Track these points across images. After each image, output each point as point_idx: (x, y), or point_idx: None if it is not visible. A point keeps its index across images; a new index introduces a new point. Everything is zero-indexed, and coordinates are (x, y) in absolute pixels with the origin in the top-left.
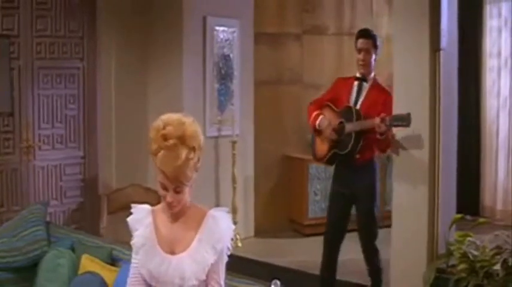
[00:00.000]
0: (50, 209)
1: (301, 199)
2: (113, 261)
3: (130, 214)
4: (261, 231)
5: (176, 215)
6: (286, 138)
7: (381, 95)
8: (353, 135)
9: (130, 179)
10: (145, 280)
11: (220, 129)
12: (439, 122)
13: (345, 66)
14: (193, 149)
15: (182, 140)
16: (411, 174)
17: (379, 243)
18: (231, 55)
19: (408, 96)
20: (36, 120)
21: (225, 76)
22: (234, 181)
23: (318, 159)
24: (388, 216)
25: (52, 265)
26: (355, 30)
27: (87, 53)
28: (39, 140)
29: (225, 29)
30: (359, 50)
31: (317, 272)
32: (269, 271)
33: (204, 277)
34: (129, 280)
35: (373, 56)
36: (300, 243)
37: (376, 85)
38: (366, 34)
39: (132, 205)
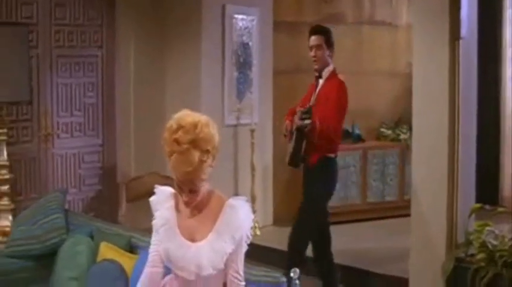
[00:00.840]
0: (69, 197)
1: None
2: (131, 249)
3: (153, 195)
4: (280, 219)
5: (196, 204)
6: None
7: (330, 86)
8: (294, 133)
9: (148, 167)
10: (162, 259)
11: (238, 118)
12: (459, 111)
13: (364, 55)
14: (206, 151)
15: (195, 144)
16: (430, 163)
17: (397, 232)
18: (250, 43)
19: (427, 86)
20: (55, 108)
21: (243, 64)
22: (252, 169)
23: (288, 162)
24: (407, 205)
25: (71, 253)
26: (375, 19)
27: (106, 41)
28: (58, 128)
29: (244, 17)
30: (310, 47)
31: (336, 260)
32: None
33: (221, 266)
34: (149, 258)
35: (327, 52)
36: None
37: (330, 78)
38: (317, 31)
39: (156, 186)
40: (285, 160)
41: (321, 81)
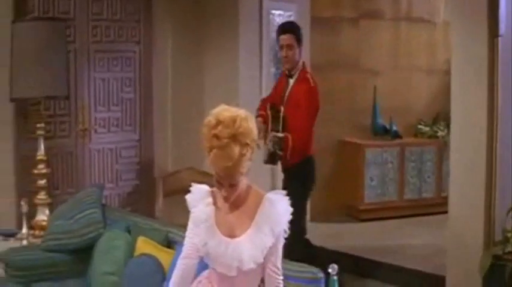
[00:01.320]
0: (106, 192)
1: (356, 184)
2: (168, 243)
3: (189, 192)
4: (316, 215)
5: (234, 200)
6: (342, 123)
7: (302, 87)
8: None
9: (185, 163)
10: (197, 252)
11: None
12: (497, 109)
13: (401, 52)
14: (246, 145)
15: (234, 138)
16: (468, 161)
17: (434, 229)
18: None
19: (466, 83)
20: (92, 103)
21: (280, 60)
22: None
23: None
24: (444, 202)
25: (108, 247)
26: (413, 16)
27: (143, 36)
28: (95, 123)
29: (281, 12)
30: (280, 46)
31: (373, 257)
32: (324, 255)
33: (261, 260)
34: (183, 250)
35: (297, 51)
36: (355, 228)
37: (301, 79)
38: (288, 29)
39: (192, 184)
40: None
41: (291, 80)
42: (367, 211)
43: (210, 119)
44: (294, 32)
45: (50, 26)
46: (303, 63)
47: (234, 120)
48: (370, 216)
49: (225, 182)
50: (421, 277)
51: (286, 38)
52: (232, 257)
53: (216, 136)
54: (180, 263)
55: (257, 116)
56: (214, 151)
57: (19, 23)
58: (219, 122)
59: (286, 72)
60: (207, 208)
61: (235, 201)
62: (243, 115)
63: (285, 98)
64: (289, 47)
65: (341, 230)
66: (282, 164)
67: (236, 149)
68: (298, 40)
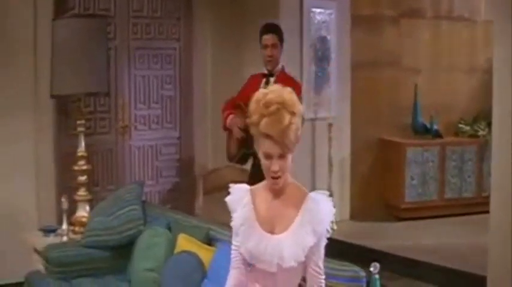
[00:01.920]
0: (146, 189)
1: (397, 182)
2: (209, 241)
3: (228, 193)
4: (357, 214)
5: (277, 192)
6: (383, 122)
7: (289, 85)
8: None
9: (226, 160)
10: (245, 261)
11: (316, 112)
12: None
13: (442, 50)
14: (293, 114)
15: (283, 105)
16: (510, 160)
17: (475, 229)
18: (328, 37)
19: (507, 82)
20: (133, 100)
21: (321, 58)
22: (330, 163)
23: (230, 158)
24: (485, 202)
25: (148, 244)
26: (453, 14)
27: (184, 34)
28: (135, 121)
29: (322, 10)
30: (265, 46)
31: (414, 256)
32: (365, 254)
33: (302, 259)
34: (231, 261)
35: (280, 51)
36: (396, 227)
37: (282, 78)
38: (271, 29)
39: (230, 185)
40: (229, 155)
41: (272, 79)
42: (407, 210)
43: (257, 95)
44: (277, 32)
45: (91, 23)
46: (283, 65)
47: (281, 90)
48: (410, 215)
49: (275, 152)
50: (462, 277)
51: (270, 38)
52: (273, 254)
53: (266, 104)
54: (231, 274)
55: (226, 116)
56: (265, 119)
57: (60, 20)
58: (267, 93)
59: (266, 71)
60: (244, 210)
61: (278, 195)
62: (288, 90)
63: None
64: (274, 46)
65: (381, 229)
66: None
67: (286, 115)
68: (281, 40)
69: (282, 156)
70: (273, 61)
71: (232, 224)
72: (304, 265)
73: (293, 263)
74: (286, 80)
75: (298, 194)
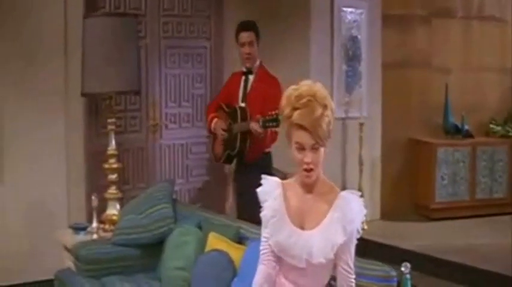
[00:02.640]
0: (176, 187)
1: (428, 182)
2: (239, 239)
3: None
4: (387, 214)
5: (309, 187)
6: (414, 121)
7: (267, 84)
8: (238, 135)
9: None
10: (274, 254)
11: (347, 111)
12: None
13: (473, 50)
14: (325, 106)
15: (315, 97)
16: None
17: (505, 229)
18: (359, 37)
19: None
20: (163, 99)
21: (352, 58)
22: (360, 163)
23: (216, 159)
24: None
25: (178, 242)
26: (484, 14)
27: (214, 32)
28: (166, 119)
29: (353, 10)
30: (242, 44)
31: (444, 256)
32: (395, 254)
33: (331, 256)
34: (260, 255)
35: (257, 48)
36: (426, 227)
37: (261, 74)
38: (248, 27)
39: (263, 176)
40: (216, 157)
41: (251, 77)
42: (438, 210)
43: (288, 90)
44: (254, 29)
45: (121, 22)
46: (261, 62)
47: (311, 84)
48: (441, 215)
49: (308, 143)
50: (490, 277)
51: (247, 35)
52: (302, 249)
53: (298, 97)
54: (259, 269)
55: (210, 120)
56: (297, 111)
57: (90, 19)
58: (297, 88)
59: (245, 69)
60: (275, 202)
61: (309, 190)
62: (319, 84)
63: (246, 94)
64: (251, 44)
65: (412, 229)
66: (240, 160)
67: (318, 107)
68: (258, 37)
69: (314, 148)
70: (251, 58)
71: (262, 214)
72: (333, 263)
73: (322, 260)
74: (265, 76)
75: (330, 192)
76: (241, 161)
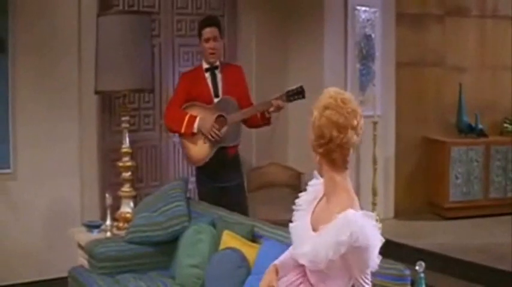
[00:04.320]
0: (189, 185)
1: (442, 181)
2: (253, 238)
3: (269, 191)
4: (401, 213)
5: (329, 193)
6: (428, 120)
7: (235, 73)
8: (239, 125)
9: (269, 158)
10: None
11: (361, 110)
12: None
13: (487, 49)
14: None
15: (344, 101)
16: None
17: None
18: (373, 35)
19: None
20: None
21: (366, 56)
22: (374, 161)
23: (197, 161)
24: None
25: (193, 240)
26: (499, 13)
27: (228, 31)
28: None
29: (367, 8)
30: (207, 40)
31: (458, 255)
32: (409, 253)
33: (319, 266)
34: None
35: (222, 43)
36: (440, 226)
37: (225, 67)
38: (212, 22)
39: (314, 173)
40: (196, 158)
41: (217, 71)
42: (452, 209)
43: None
44: (218, 25)
45: (135, 20)
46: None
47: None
48: (454, 214)
49: (334, 143)
50: (506, 276)
51: (211, 31)
52: (308, 250)
53: (331, 97)
54: (286, 252)
55: (189, 120)
56: (328, 111)
57: (104, 17)
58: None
59: (207, 65)
60: (309, 196)
61: (329, 193)
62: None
63: (219, 89)
64: (215, 39)
65: (426, 228)
66: (221, 156)
67: (348, 107)
68: (221, 32)
69: (340, 147)
70: (216, 53)
71: (296, 200)
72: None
73: (303, 261)
74: (229, 67)
75: (345, 200)
76: (223, 157)
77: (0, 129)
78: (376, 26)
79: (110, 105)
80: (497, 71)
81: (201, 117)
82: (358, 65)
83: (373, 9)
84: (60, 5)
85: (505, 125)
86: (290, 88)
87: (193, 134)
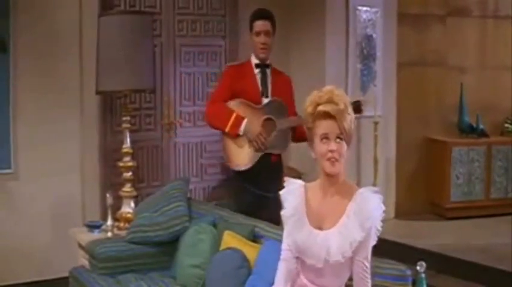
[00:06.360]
0: (190, 185)
1: (443, 182)
2: (254, 238)
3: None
4: (402, 213)
5: (329, 190)
6: (429, 121)
7: (285, 82)
8: (287, 132)
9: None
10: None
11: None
12: None
13: (489, 49)
14: (346, 106)
15: (337, 96)
16: None
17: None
18: (374, 35)
19: None
20: (178, 97)
21: (367, 56)
22: (375, 162)
23: (238, 165)
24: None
25: (193, 240)
26: (500, 13)
27: (229, 31)
28: (181, 117)
29: (368, 9)
30: (257, 33)
31: (459, 256)
32: (410, 253)
33: (350, 254)
34: (282, 252)
35: (273, 40)
36: (441, 226)
37: (276, 71)
38: (265, 15)
39: (285, 178)
40: (237, 162)
41: (268, 71)
42: (453, 209)
43: (309, 97)
44: (271, 19)
45: (136, 20)
46: None
47: (333, 87)
48: (456, 214)
49: (333, 132)
50: (507, 277)
51: (264, 24)
52: (320, 249)
53: (321, 95)
54: (280, 266)
55: (236, 119)
56: (321, 105)
57: (105, 17)
58: (321, 90)
59: (257, 61)
60: (295, 201)
61: (330, 193)
62: (341, 89)
63: (269, 90)
64: (267, 33)
65: (427, 228)
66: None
67: (341, 102)
68: (274, 28)
69: (339, 138)
70: (267, 49)
71: (282, 212)
72: (353, 259)
73: (340, 258)
74: (279, 74)
75: (348, 190)
76: (266, 162)
77: (1, 130)
78: (377, 26)
79: (111, 105)
80: (499, 71)
81: (248, 120)
82: (359, 65)
83: (374, 10)
84: (61, 5)
85: (506, 125)
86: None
87: (238, 135)
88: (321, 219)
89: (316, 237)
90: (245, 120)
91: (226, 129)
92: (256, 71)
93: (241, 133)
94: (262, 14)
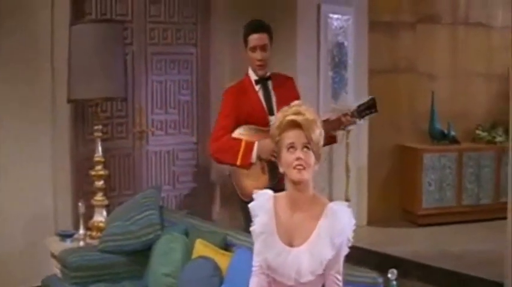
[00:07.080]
0: (163, 194)
1: (415, 188)
2: (226, 246)
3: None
4: (374, 220)
5: (298, 203)
6: (400, 128)
7: (288, 86)
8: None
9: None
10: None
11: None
12: None
13: (460, 56)
14: (315, 119)
15: (305, 110)
16: None
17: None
18: (345, 43)
19: None
20: (150, 105)
21: (338, 64)
22: (347, 170)
23: (251, 194)
24: (502, 208)
25: (165, 249)
26: (471, 21)
27: (201, 39)
28: (152, 126)
29: (339, 16)
30: (253, 48)
31: (432, 262)
32: (382, 260)
33: (320, 272)
34: (253, 268)
35: (270, 52)
36: (413, 233)
37: (276, 77)
38: (261, 27)
39: (254, 191)
40: (251, 191)
41: (269, 83)
42: (425, 216)
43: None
44: (269, 31)
45: (108, 28)
46: None
47: (299, 103)
48: (428, 221)
49: (299, 142)
50: (479, 283)
51: (261, 38)
52: (290, 268)
53: (289, 108)
54: (252, 282)
55: (247, 147)
56: (289, 115)
57: (77, 25)
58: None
59: (258, 77)
60: (265, 217)
61: (298, 204)
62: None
63: (273, 104)
64: (264, 48)
65: (399, 235)
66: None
67: (309, 114)
68: (271, 40)
69: (306, 147)
70: (264, 65)
71: (252, 229)
72: (323, 277)
73: (310, 277)
74: (280, 78)
75: (318, 205)
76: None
77: None
78: (348, 34)
79: (82, 113)
80: (470, 78)
81: (259, 142)
82: (330, 73)
83: (345, 17)
84: (32, 14)
85: (478, 131)
86: (361, 102)
87: (251, 165)
88: (291, 235)
89: (287, 256)
90: (256, 144)
91: (238, 162)
92: (257, 87)
93: (253, 161)
94: (257, 27)
